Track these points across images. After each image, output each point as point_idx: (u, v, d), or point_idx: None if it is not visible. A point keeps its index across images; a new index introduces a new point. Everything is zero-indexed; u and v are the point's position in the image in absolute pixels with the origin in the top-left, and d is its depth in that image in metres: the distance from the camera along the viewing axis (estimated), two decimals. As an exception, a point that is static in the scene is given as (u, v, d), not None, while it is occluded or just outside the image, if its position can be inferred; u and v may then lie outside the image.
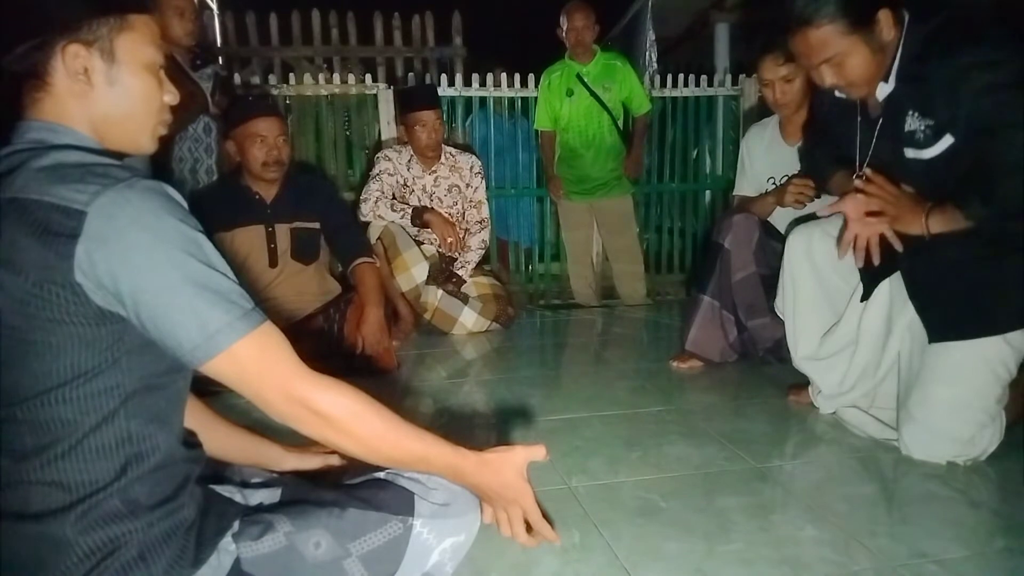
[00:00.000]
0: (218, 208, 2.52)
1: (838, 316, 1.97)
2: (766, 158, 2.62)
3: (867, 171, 1.71)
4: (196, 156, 2.97)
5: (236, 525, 0.94)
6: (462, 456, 1.01)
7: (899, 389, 1.82)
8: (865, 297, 1.86)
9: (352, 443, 0.91)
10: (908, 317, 1.77)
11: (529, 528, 1.08)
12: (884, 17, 1.58)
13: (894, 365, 1.85)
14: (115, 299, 0.80)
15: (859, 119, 1.80)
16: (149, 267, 0.80)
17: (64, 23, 0.88)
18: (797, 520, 1.41)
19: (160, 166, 2.80)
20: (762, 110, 3.79)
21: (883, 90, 1.68)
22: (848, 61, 1.60)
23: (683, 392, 2.29)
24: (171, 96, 1.00)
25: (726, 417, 2.03)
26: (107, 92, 0.92)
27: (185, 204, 0.87)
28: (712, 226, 3.26)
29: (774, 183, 2.56)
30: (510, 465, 1.04)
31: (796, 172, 2.43)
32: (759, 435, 1.89)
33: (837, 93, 1.77)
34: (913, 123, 1.63)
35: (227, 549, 0.92)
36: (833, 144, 1.96)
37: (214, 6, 6.21)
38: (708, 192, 4.60)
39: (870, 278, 1.85)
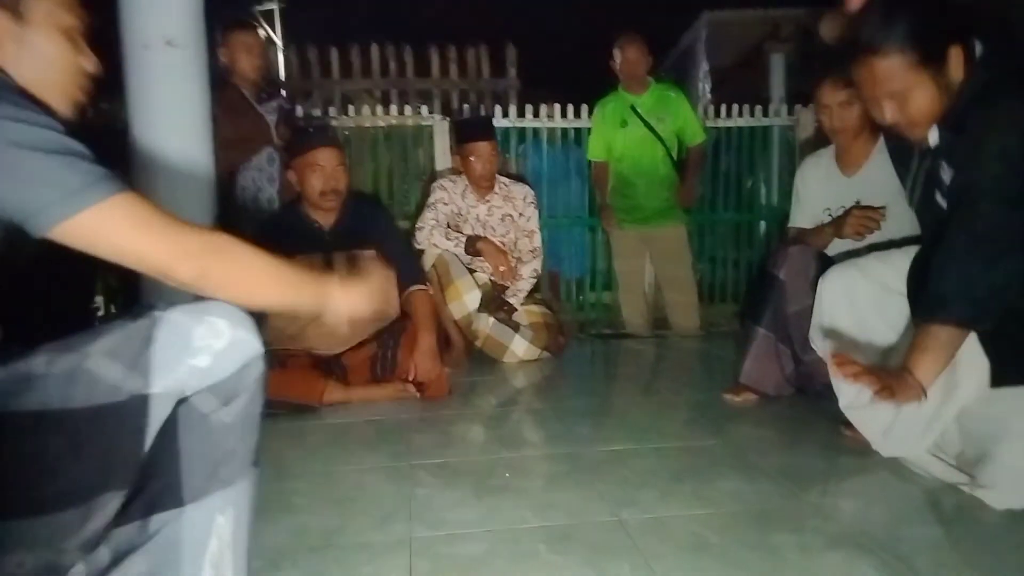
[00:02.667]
0: (278, 236, 2.60)
1: (879, 359, 1.91)
2: (823, 189, 2.57)
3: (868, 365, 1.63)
4: (259, 185, 3.09)
5: None
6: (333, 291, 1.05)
7: (963, 437, 1.76)
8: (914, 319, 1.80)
9: (237, 283, 0.93)
10: (977, 376, 1.69)
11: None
12: (955, 55, 1.51)
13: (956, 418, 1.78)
14: None
15: (914, 157, 1.74)
16: None
17: None
18: (854, 560, 1.36)
19: (224, 195, 2.91)
20: (818, 140, 3.75)
21: (934, 134, 1.60)
22: (911, 97, 1.52)
23: (736, 426, 2.24)
24: (91, 64, 1.01)
25: (781, 452, 1.98)
26: (14, 52, 0.92)
27: (32, 106, 0.86)
28: (767, 257, 3.22)
29: (830, 215, 2.52)
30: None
31: (855, 203, 2.40)
32: (815, 471, 1.84)
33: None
34: (945, 172, 1.57)
35: None
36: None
37: (279, 42, 6.47)
38: (763, 223, 4.54)
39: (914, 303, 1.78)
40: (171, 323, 0.87)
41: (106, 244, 0.85)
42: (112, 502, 0.87)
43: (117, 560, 0.88)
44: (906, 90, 1.52)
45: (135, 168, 2.53)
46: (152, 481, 0.88)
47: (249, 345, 0.91)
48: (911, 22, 1.49)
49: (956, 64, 1.52)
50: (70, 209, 0.82)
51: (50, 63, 0.95)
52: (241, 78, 3.05)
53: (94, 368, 0.85)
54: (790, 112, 4.42)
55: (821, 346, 2.11)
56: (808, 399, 2.43)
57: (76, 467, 0.84)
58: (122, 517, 0.89)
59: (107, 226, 0.84)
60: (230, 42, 3.05)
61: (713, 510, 1.59)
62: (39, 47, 0.94)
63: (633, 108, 3.74)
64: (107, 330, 0.87)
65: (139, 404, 0.85)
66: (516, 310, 3.27)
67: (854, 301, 1.94)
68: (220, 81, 2.97)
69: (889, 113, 1.57)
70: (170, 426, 0.87)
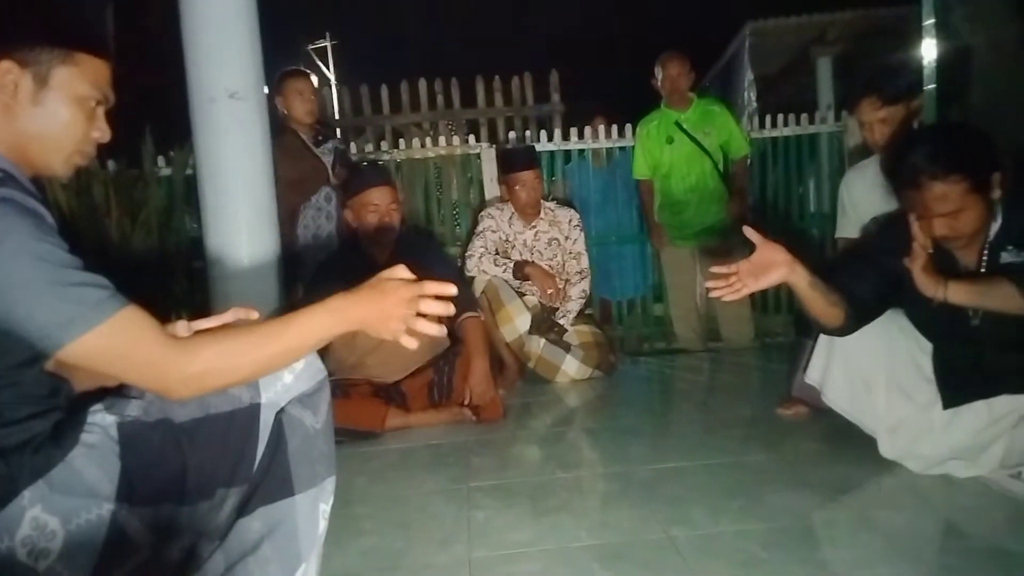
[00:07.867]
0: (337, 272, 2.74)
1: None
2: (870, 199, 2.57)
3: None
4: (318, 223, 3.25)
5: (100, 405, 1.03)
6: (336, 304, 1.02)
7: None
8: (946, 406, 1.84)
9: (241, 374, 0.98)
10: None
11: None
12: (996, 180, 1.70)
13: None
14: None
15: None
16: None
17: (6, 42, 0.97)
18: (906, 574, 1.38)
19: (286, 233, 3.07)
20: (868, 146, 3.71)
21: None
22: (963, 216, 1.70)
23: (788, 440, 2.25)
24: (100, 134, 1.08)
25: (833, 466, 1.99)
26: (29, 110, 0.99)
27: (45, 215, 0.92)
28: (820, 266, 3.20)
29: (879, 224, 2.52)
30: (382, 279, 1.06)
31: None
32: (867, 485, 1.85)
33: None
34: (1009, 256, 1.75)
35: (102, 423, 1.00)
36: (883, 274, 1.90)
37: (332, 78, 6.73)
38: (815, 230, 4.50)
39: (953, 392, 1.84)
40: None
41: (113, 357, 0.91)
42: (234, 497, 1.08)
43: (245, 547, 1.08)
44: (959, 211, 1.69)
45: (205, 215, 2.72)
46: (267, 477, 1.09)
47: (318, 367, 1.15)
48: (964, 153, 1.69)
49: (997, 185, 1.71)
50: (88, 324, 0.88)
51: (58, 126, 1.02)
52: (297, 123, 3.23)
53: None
54: (837, 117, 4.38)
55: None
56: (862, 411, 2.42)
57: (208, 464, 1.05)
58: (244, 510, 1.09)
59: (117, 340, 0.90)
60: (285, 90, 3.23)
61: (763, 526, 1.63)
62: (52, 110, 1.01)
63: (678, 124, 3.77)
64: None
65: (254, 411, 1.08)
66: (567, 331, 3.34)
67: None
68: (279, 127, 3.14)
69: (939, 229, 1.72)
70: (277, 431, 1.10)
